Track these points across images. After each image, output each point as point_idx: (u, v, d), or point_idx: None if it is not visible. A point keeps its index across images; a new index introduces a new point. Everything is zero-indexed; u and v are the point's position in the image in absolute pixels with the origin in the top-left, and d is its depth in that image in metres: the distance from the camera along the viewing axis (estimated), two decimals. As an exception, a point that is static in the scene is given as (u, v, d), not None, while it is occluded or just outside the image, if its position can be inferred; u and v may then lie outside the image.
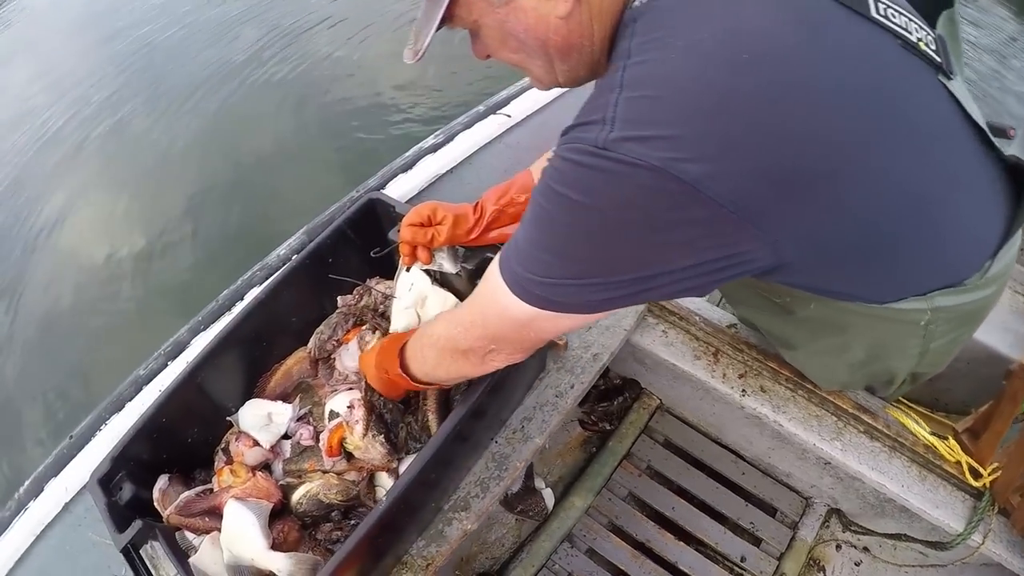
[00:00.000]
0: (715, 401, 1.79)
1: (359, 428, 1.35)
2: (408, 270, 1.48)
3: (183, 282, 3.75)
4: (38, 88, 5.78)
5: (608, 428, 2.03)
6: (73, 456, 1.59)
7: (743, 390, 1.65)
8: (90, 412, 1.62)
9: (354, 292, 1.61)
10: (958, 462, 1.59)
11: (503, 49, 0.96)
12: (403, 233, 1.37)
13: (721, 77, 0.74)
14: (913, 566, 1.91)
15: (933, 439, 1.61)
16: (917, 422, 1.65)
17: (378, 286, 1.60)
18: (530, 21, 0.87)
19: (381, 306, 1.57)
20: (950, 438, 1.63)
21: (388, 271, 1.59)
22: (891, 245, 0.93)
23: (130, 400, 1.63)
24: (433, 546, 1.42)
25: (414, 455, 1.41)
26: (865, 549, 1.95)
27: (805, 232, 0.83)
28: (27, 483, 1.58)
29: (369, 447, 1.35)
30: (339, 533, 1.36)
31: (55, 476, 1.57)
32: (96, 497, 1.29)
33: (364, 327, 1.56)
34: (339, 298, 1.62)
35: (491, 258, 1.36)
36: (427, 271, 1.45)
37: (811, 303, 1.12)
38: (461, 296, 1.47)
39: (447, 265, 1.42)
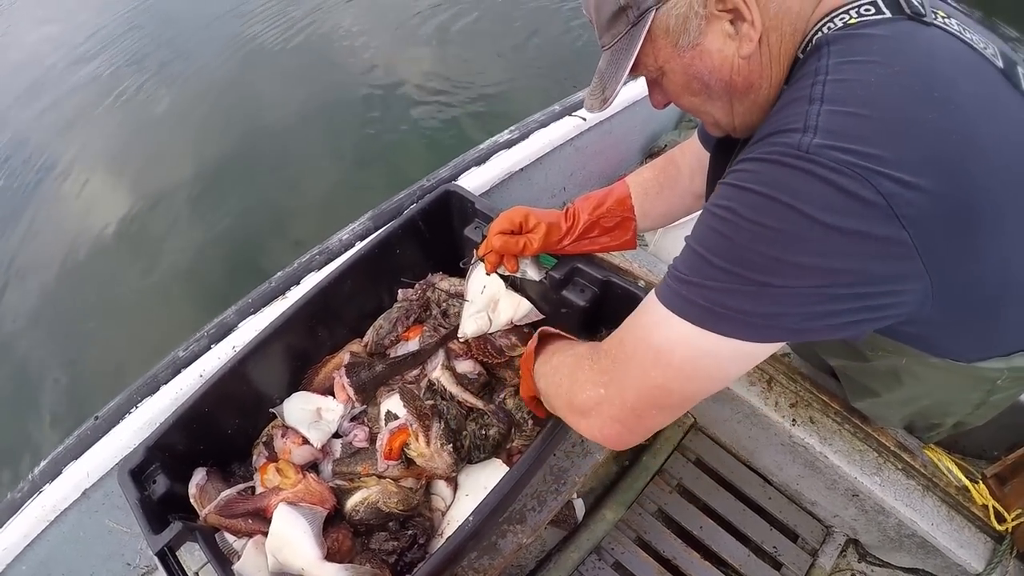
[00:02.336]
0: (754, 426, 1.65)
1: (431, 436, 1.15)
2: (477, 270, 1.29)
3: (194, 257, 3.44)
4: (49, 48, 5.40)
5: (643, 443, 1.84)
6: (97, 439, 1.34)
7: (793, 419, 1.52)
8: (84, 387, 1.37)
9: (416, 287, 1.41)
10: (985, 505, 1.52)
11: (685, 93, 0.90)
12: (493, 242, 1.20)
13: (917, 109, 0.71)
14: (925, 603, 1.83)
15: (968, 481, 1.54)
16: (951, 464, 1.57)
17: (442, 283, 1.40)
18: (715, 63, 0.83)
19: (444, 304, 1.37)
20: (980, 482, 1.57)
21: (452, 267, 1.40)
22: (1006, 306, 0.88)
23: (166, 383, 1.38)
24: (486, 558, 1.25)
25: (476, 465, 1.23)
26: None
27: (957, 278, 0.77)
28: (43, 463, 1.33)
29: (436, 456, 1.15)
30: (395, 543, 1.15)
31: (75, 459, 1.32)
32: (127, 491, 1.07)
33: (425, 327, 1.36)
34: (399, 291, 1.42)
35: (581, 268, 1.18)
36: (502, 274, 1.26)
37: (903, 357, 1.05)
38: (534, 302, 1.28)
39: (531, 272, 1.24)
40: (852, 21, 0.77)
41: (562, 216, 1.23)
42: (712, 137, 1.17)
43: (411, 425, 1.17)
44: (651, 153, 2.27)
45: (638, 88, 2.09)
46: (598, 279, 1.21)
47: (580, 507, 1.72)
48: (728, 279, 0.73)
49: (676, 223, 1.86)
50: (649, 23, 0.81)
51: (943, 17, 0.78)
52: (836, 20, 0.78)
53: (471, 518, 0.98)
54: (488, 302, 1.28)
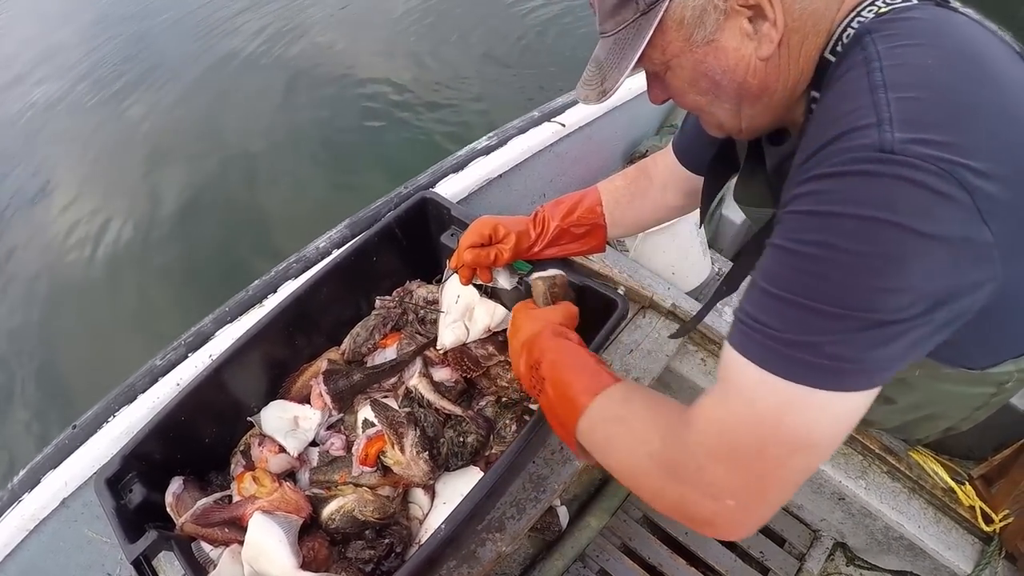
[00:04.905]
0: None
1: (406, 442, 1.18)
2: (452, 278, 1.33)
3: (172, 268, 3.50)
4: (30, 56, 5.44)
5: None
6: (75, 448, 1.37)
7: None
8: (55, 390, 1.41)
9: (393, 294, 1.44)
10: (972, 506, 1.56)
11: (690, 91, 0.84)
12: (464, 256, 1.22)
13: (978, 91, 0.66)
14: (913, 605, 1.87)
15: (954, 483, 1.58)
16: (937, 466, 1.61)
17: (419, 290, 1.43)
18: (730, 62, 0.78)
19: (421, 311, 1.41)
20: (966, 483, 1.60)
21: (429, 274, 1.43)
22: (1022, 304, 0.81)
23: (143, 392, 1.41)
24: (465, 567, 1.26)
25: (454, 472, 1.26)
26: None
27: (1013, 278, 0.69)
28: (22, 473, 1.36)
29: (412, 463, 1.18)
30: (371, 552, 1.18)
31: (54, 468, 1.35)
32: (103, 500, 1.10)
33: (403, 334, 1.39)
34: (377, 299, 1.45)
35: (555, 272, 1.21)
36: (476, 284, 1.30)
37: (916, 368, 1.00)
38: (508, 307, 1.32)
39: (502, 281, 1.28)
40: (883, 10, 0.73)
41: (531, 223, 1.25)
42: (694, 153, 1.18)
43: (388, 433, 1.20)
44: (632, 158, 2.29)
45: (619, 93, 2.10)
46: (575, 285, 1.24)
47: (564, 515, 1.75)
48: (843, 327, 0.63)
49: (655, 229, 1.90)
50: (662, 13, 0.76)
51: (958, 2, 0.75)
52: (865, 12, 0.74)
53: (443, 526, 1.00)
54: (464, 311, 1.31)
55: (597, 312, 1.20)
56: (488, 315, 1.31)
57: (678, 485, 0.74)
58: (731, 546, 1.79)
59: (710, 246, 2.40)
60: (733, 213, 2.39)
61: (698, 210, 1.94)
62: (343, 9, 5.45)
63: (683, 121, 1.22)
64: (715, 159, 1.08)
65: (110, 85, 5.01)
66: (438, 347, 1.35)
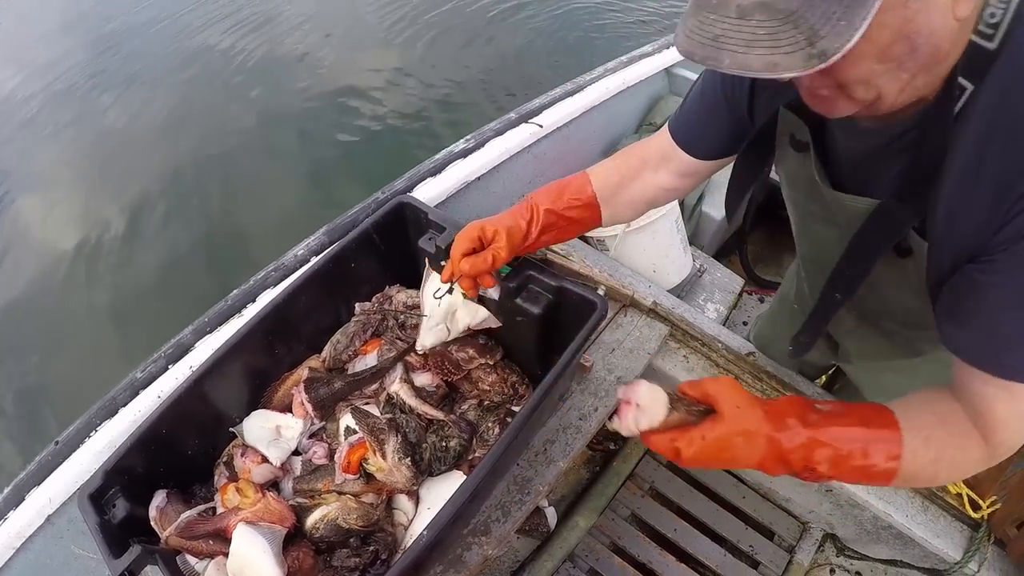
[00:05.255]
0: None
1: (388, 449, 1.19)
2: (432, 281, 1.33)
3: (150, 274, 3.49)
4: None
5: (612, 448, 1.92)
6: (58, 464, 1.37)
7: None
8: (42, 406, 1.41)
9: (373, 300, 1.45)
10: (959, 494, 1.60)
11: (876, 58, 0.69)
12: (462, 267, 1.16)
13: None
14: (904, 593, 1.90)
15: None
16: None
17: (399, 296, 1.44)
18: (935, 24, 0.67)
19: (401, 316, 1.41)
20: None
21: (408, 279, 1.44)
22: None
23: (124, 405, 1.41)
24: (452, 571, 1.27)
25: (438, 477, 1.26)
26: (858, 573, 1.89)
27: None
28: (7, 490, 1.36)
29: (394, 470, 1.19)
30: (356, 560, 1.19)
31: (37, 485, 1.35)
32: (87, 515, 1.09)
33: (383, 340, 1.40)
34: (356, 305, 1.45)
35: (534, 276, 1.21)
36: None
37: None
38: (491, 310, 1.32)
39: (492, 292, 1.27)
40: None
41: (518, 213, 1.21)
42: (697, 134, 1.13)
43: (370, 440, 1.21)
44: None
45: (597, 93, 2.14)
46: (552, 286, 1.24)
47: (552, 515, 1.76)
48: None
49: (635, 227, 1.91)
50: None
51: None
52: None
53: (425, 531, 1.01)
54: (446, 314, 1.32)
55: (574, 311, 1.21)
56: (470, 316, 1.31)
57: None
58: (720, 540, 1.80)
59: (690, 243, 2.40)
60: (713, 210, 2.42)
61: (676, 206, 1.95)
62: (314, 20, 5.47)
63: (683, 102, 1.18)
64: (751, 145, 1.04)
65: (80, 92, 4.99)
66: (418, 349, 1.35)
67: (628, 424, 0.84)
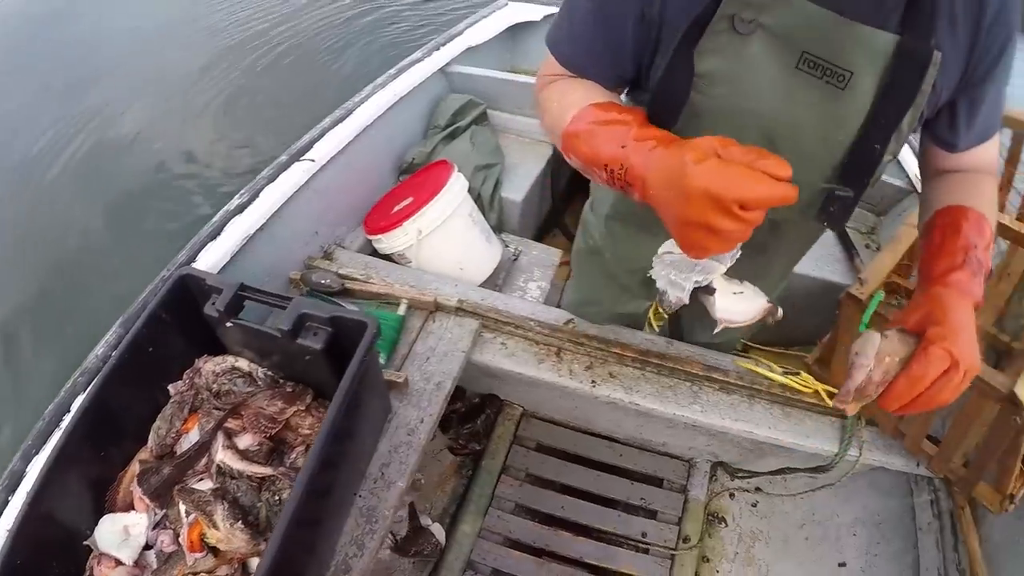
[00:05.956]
0: (571, 397, 1.85)
1: (217, 519, 1.34)
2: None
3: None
4: None
5: (478, 448, 2.08)
6: None
7: (593, 381, 1.73)
8: None
9: (184, 377, 1.61)
10: (816, 391, 1.77)
11: None
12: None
13: None
14: (805, 492, 2.10)
15: (785, 379, 1.78)
16: (770, 367, 1.82)
17: (206, 366, 1.62)
18: None
19: (214, 385, 1.60)
20: (802, 372, 1.81)
21: (213, 348, 1.59)
22: None
23: (-30, 552, 1.54)
24: (330, 616, 1.36)
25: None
26: (757, 489, 2.11)
27: None
28: None
29: (231, 537, 1.32)
30: (225, 631, 1.38)
31: None
32: None
33: (200, 413, 1.59)
34: (170, 387, 1.58)
35: (308, 313, 1.40)
36: None
37: None
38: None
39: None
40: None
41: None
42: (607, 59, 1.08)
43: (200, 514, 1.40)
44: (404, 169, 2.47)
45: (370, 111, 2.29)
46: (325, 318, 1.37)
47: (439, 531, 1.89)
48: None
49: (425, 233, 2.06)
50: None
51: None
52: None
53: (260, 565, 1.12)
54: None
55: (355, 336, 1.34)
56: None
57: None
58: (611, 503, 1.98)
59: (501, 230, 2.60)
60: (512, 194, 2.59)
61: (468, 199, 2.14)
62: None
63: (559, 34, 1.13)
64: (684, 41, 0.99)
65: None
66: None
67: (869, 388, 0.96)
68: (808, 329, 2.13)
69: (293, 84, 5.23)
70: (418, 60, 2.67)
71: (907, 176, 2.50)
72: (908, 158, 2.53)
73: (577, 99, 1.05)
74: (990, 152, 1.15)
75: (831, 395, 1.79)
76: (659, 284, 1.05)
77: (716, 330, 1.14)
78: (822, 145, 1.07)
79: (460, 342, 1.75)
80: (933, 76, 0.96)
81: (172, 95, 5.31)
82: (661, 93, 1.07)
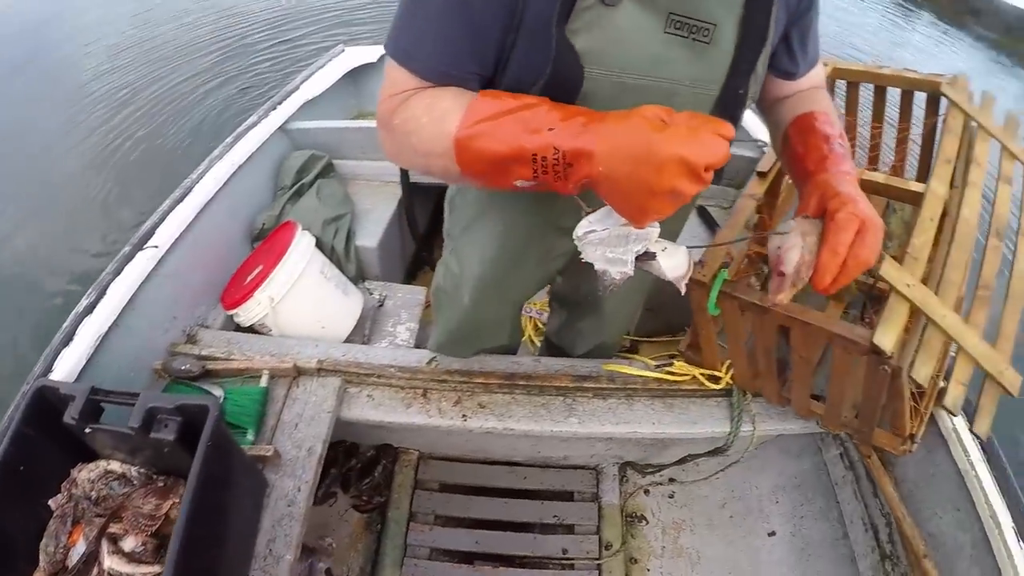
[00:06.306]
0: (452, 434, 1.94)
1: None
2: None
3: None
4: None
5: (382, 500, 2.16)
6: None
7: (463, 415, 1.83)
8: None
9: (62, 489, 1.66)
10: (693, 377, 1.88)
11: None
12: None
13: None
14: (717, 473, 2.24)
15: (654, 373, 1.89)
16: (645, 364, 1.93)
17: (82, 474, 1.71)
18: None
19: (92, 493, 1.66)
20: (675, 361, 1.91)
21: (87, 454, 1.67)
22: None
23: None
24: None
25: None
26: (671, 480, 2.21)
27: None
28: None
29: None
30: None
31: None
32: None
33: (83, 523, 1.70)
34: (50, 502, 1.65)
35: (154, 407, 1.48)
36: None
37: None
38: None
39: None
40: None
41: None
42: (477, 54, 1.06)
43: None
44: (257, 236, 2.52)
45: (209, 185, 2.32)
46: (172, 408, 1.45)
47: None
48: None
49: (277, 299, 2.17)
50: None
51: None
52: None
53: None
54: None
55: (201, 418, 1.44)
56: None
57: None
58: (525, 528, 2.08)
59: (362, 279, 2.69)
60: (366, 240, 2.67)
61: (316, 254, 2.26)
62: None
63: (410, 39, 1.07)
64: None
65: None
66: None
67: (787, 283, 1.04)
68: (681, 317, 2.25)
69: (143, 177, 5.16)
70: (255, 123, 2.68)
71: (759, 148, 2.66)
72: (753, 124, 2.70)
73: (450, 105, 1.01)
74: (819, 72, 1.36)
75: (713, 378, 1.90)
76: (597, 265, 1.08)
77: (607, 290, 1.13)
78: (694, 100, 1.14)
79: (325, 403, 1.82)
80: (776, 12, 1.12)
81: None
82: (554, 78, 1.06)
